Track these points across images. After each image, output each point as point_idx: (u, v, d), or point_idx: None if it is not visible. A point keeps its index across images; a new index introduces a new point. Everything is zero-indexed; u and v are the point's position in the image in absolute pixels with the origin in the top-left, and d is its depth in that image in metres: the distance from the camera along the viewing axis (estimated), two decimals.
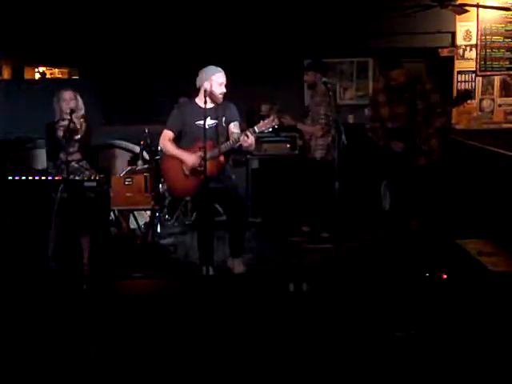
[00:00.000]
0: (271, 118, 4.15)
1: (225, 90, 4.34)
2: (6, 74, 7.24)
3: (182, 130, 4.42)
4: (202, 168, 4.10)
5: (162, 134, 4.48)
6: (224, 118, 4.38)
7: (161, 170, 4.79)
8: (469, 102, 5.55)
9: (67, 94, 4.60)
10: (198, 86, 4.39)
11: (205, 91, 4.21)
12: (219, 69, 4.37)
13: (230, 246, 4.58)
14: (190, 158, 4.31)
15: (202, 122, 4.15)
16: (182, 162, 4.36)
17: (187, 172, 4.35)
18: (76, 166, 4.61)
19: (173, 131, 4.43)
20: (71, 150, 4.54)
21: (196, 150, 4.28)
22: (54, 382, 2.98)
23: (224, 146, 4.26)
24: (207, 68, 4.38)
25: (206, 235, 4.47)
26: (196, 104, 4.41)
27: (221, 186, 4.33)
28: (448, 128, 5.25)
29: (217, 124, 4.35)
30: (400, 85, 4.54)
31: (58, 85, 6.26)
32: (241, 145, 4.22)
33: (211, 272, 4.30)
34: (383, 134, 4.63)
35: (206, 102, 4.07)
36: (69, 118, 4.43)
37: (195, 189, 4.37)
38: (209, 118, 4.24)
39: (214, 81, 4.30)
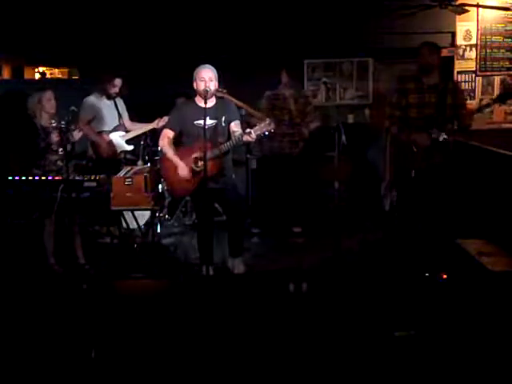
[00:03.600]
0: (267, 121, 4.15)
1: (208, 87, 4.18)
2: (6, 74, 7.24)
3: (182, 129, 4.42)
4: (197, 173, 4.19)
5: (162, 134, 4.49)
6: (224, 118, 4.35)
7: (160, 169, 4.78)
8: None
9: (51, 94, 4.65)
10: None
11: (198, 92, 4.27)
12: (203, 65, 4.31)
13: (230, 246, 4.58)
14: (182, 169, 4.32)
15: (200, 122, 4.13)
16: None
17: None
18: (61, 164, 4.65)
19: (172, 131, 4.43)
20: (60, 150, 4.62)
21: (195, 150, 4.28)
22: (54, 381, 2.98)
23: (225, 146, 4.26)
24: (197, 67, 4.36)
25: (206, 235, 4.47)
26: (196, 103, 4.39)
27: (220, 187, 4.33)
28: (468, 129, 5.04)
29: (216, 124, 4.33)
30: (431, 67, 4.48)
31: (58, 85, 6.28)
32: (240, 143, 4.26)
33: (211, 272, 4.30)
34: (405, 126, 4.55)
35: (205, 102, 4.06)
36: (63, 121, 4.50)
37: (194, 189, 4.37)
38: (208, 117, 4.18)
39: (197, 78, 4.29)
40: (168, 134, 4.44)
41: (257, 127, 4.14)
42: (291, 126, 5.83)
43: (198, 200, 4.53)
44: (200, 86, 4.25)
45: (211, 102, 4.27)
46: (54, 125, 4.54)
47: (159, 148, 4.95)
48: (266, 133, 4.14)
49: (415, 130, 4.47)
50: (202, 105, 4.11)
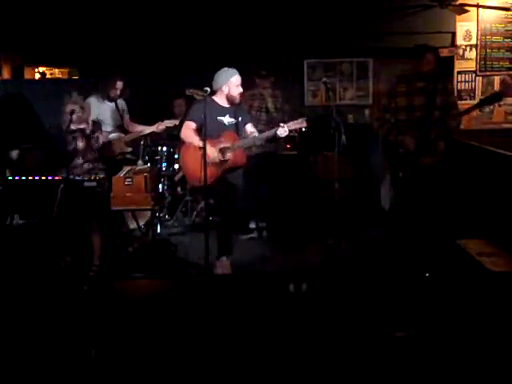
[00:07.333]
0: (300, 120, 4.23)
1: (241, 90, 4.48)
2: (6, 74, 7.24)
3: (203, 124, 4.43)
4: (224, 159, 4.36)
5: (184, 125, 4.54)
6: (240, 119, 4.53)
7: (180, 159, 4.81)
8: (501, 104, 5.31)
9: (71, 100, 4.62)
10: (214, 88, 4.45)
11: (226, 94, 4.43)
12: (234, 71, 4.46)
13: (219, 246, 4.51)
14: (213, 152, 4.33)
15: (222, 118, 4.39)
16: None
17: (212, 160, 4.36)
18: (90, 166, 4.65)
19: (195, 122, 4.45)
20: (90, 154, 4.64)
21: (220, 141, 4.38)
22: (54, 381, 2.98)
23: (247, 141, 4.44)
24: (223, 71, 4.45)
25: (226, 229, 4.52)
26: (215, 102, 4.48)
27: (233, 182, 4.46)
28: (457, 131, 5.03)
29: (236, 122, 4.51)
30: (430, 71, 4.47)
31: (57, 85, 6.28)
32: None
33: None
34: (393, 127, 4.57)
35: (230, 103, 4.38)
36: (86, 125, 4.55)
37: (215, 179, 4.36)
38: (227, 115, 4.46)
39: (232, 83, 4.41)
40: (190, 125, 4.47)
41: (290, 123, 4.27)
42: (269, 125, 5.72)
43: (218, 194, 4.48)
44: (235, 91, 4.42)
45: (229, 104, 4.50)
46: (81, 128, 4.55)
47: (159, 148, 4.95)
48: (298, 130, 4.21)
49: (403, 133, 4.49)
50: (223, 104, 4.41)
